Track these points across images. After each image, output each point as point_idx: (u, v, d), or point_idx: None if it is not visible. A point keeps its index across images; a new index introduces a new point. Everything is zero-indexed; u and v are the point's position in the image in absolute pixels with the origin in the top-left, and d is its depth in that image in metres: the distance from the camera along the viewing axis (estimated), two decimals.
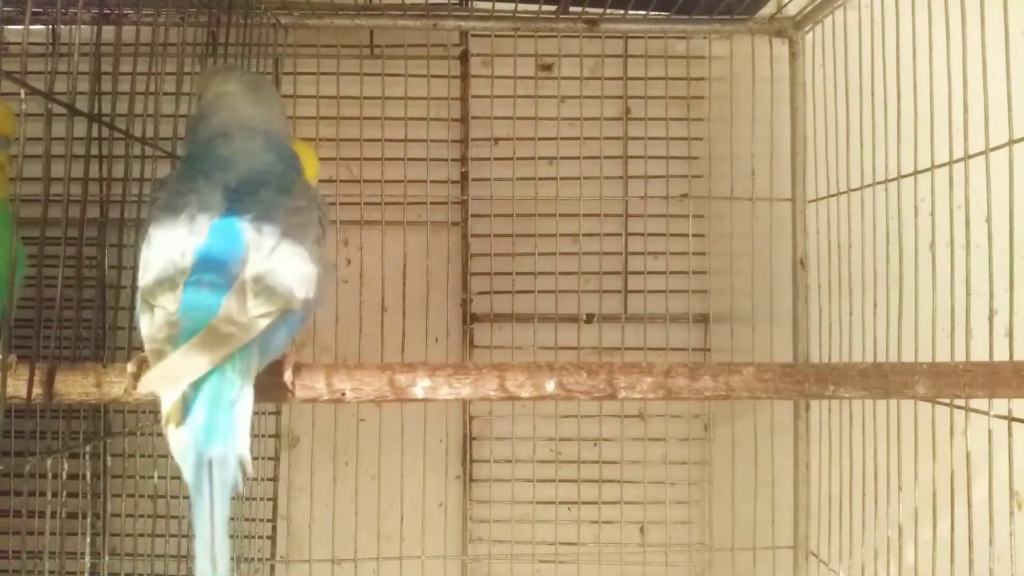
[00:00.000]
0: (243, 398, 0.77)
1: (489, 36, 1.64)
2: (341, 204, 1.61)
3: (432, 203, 1.62)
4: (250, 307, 0.80)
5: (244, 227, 0.85)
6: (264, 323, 0.80)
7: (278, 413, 1.68)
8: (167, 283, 0.81)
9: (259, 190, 0.90)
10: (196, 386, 0.74)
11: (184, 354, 0.74)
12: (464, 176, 1.68)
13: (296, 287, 0.84)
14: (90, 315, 1.07)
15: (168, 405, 0.74)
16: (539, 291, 1.63)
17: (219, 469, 0.72)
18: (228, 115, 0.98)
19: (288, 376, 0.91)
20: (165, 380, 0.73)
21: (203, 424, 0.74)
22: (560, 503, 1.68)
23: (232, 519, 1.51)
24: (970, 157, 1.05)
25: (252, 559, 1.59)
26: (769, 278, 1.56)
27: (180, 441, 0.73)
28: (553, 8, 1.54)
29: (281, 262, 0.84)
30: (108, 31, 1.14)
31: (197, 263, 0.82)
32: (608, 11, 1.54)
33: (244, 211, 0.87)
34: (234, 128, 0.97)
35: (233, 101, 0.98)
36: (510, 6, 1.54)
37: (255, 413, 1.59)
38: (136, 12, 1.25)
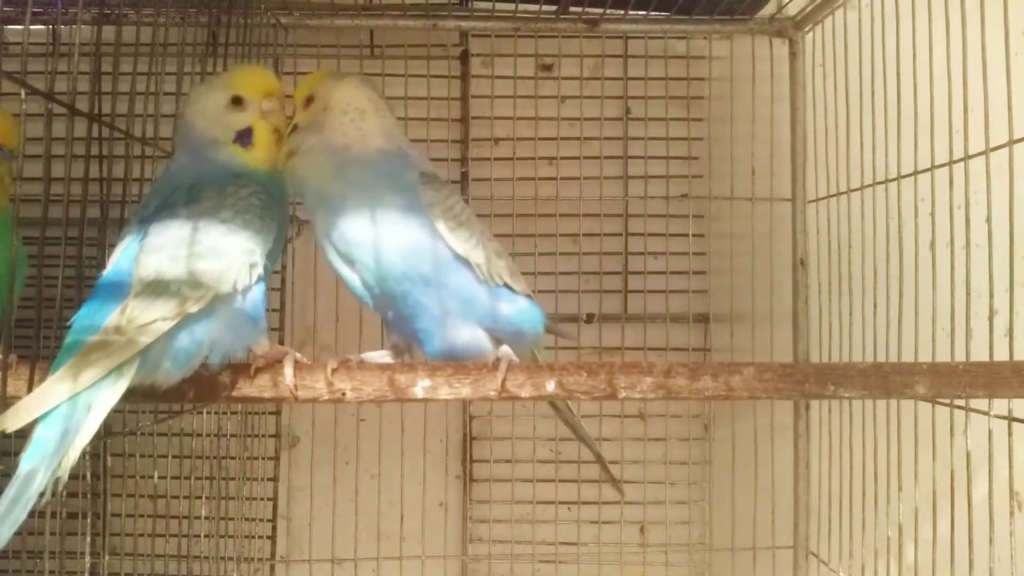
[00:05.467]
0: (88, 418, 0.79)
1: (489, 36, 1.64)
2: None
3: None
4: (132, 317, 0.81)
5: (137, 251, 0.87)
6: (158, 328, 0.82)
7: (278, 413, 1.69)
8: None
9: (165, 210, 0.91)
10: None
11: (41, 388, 0.78)
12: (464, 176, 1.68)
13: (195, 285, 0.85)
14: None
15: None
16: (539, 291, 1.63)
17: (23, 483, 0.75)
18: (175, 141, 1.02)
19: (288, 374, 0.91)
20: (14, 417, 0.77)
21: (35, 438, 0.77)
22: (560, 503, 1.68)
23: (231, 519, 1.52)
24: (970, 157, 1.05)
25: (252, 559, 1.59)
26: (769, 278, 1.56)
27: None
28: (553, 8, 1.54)
29: (170, 269, 0.85)
30: (108, 31, 1.14)
31: (93, 294, 0.86)
32: (608, 11, 1.54)
33: (144, 235, 0.88)
34: (176, 142, 1.02)
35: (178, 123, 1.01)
36: (510, 6, 1.54)
37: (255, 413, 1.61)
38: (136, 12, 1.25)
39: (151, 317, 0.81)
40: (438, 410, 1.70)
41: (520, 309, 1.04)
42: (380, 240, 0.95)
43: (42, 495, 0.76)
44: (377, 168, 0.98)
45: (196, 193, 0.91)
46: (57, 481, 0.77)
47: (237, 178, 0.94)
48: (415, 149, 1.06)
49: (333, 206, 0.96)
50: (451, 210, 0.99)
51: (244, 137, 0.98)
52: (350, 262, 0.97)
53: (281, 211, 0.98)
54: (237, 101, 0.98)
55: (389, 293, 0.97)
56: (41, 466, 0.76)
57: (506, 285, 1.04)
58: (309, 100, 1.01)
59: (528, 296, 1.07)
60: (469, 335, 0.99)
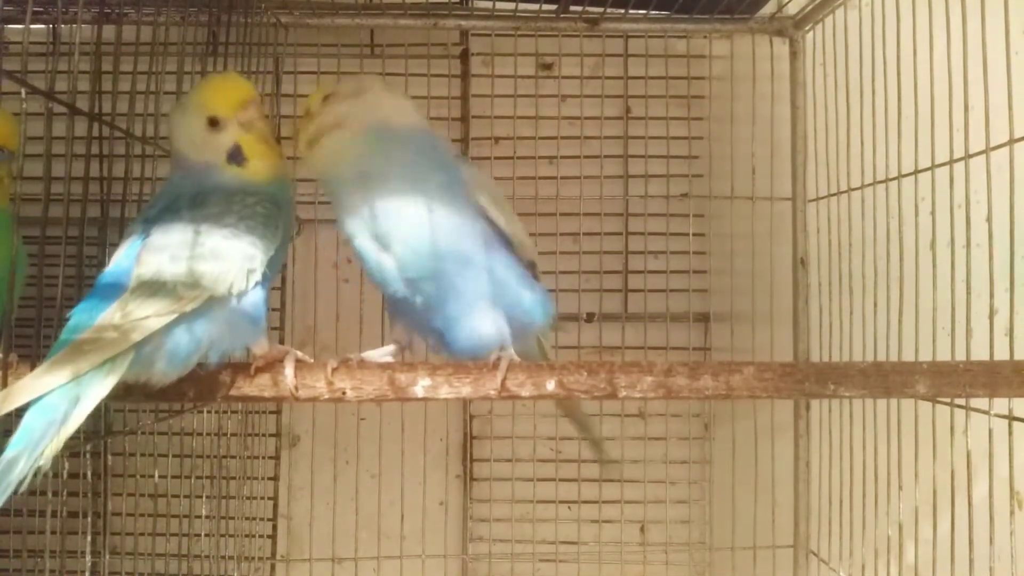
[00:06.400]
0: (76, 410, 0.79)
1: (490, 35, 1.64)
2: None
3: None
4: (127, 312, 0.82)
5: (139, 250, 0.88)
6: (152, 324, 0.82)
7: (278, 412, 1.68)
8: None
9: (170, 213, 0.91)
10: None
11: (32, 376, 0.78)
12: None
13: (192, 285, 0.85)
14: None
15: None
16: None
17: (4, 470, 0.75)
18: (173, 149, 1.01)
19: (289, 375, 0.91)
20: (1, 403, 0.77)
21: (22, 426, 0.77)
22: (560, 502, 1.68)
23: (231, 518, 1.52)
24: (970, 156, 1.05)
25: (252, 558, 1.59)
26: (769, 277, 1.56)
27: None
28: (554, 7, 1.54)
29: (169, 268, 0.85)
30: (109, 30, 1.14)
31: (92, 291, 0.86)
32: (609, 10, 1.54)
33: (147, 235, 0.89)
34: (173, 160, 1.00)
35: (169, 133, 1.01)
36: (511, 5, 1.54)
37: (256, 412, 1.61)
38: (137, 11, 1.25)
39: (145, 313, 0.82)
40: (438, 409, 1.70)
41: (538, 295, 1.04)
42: (426, 218, 0.94)
43: (22, 482, 0.76)
44: (417, 145, 0.98)
45: (202, 199, 0.92)
46: (39, 470, 0.78)
47: (243, 186, 0.95)
48: (438, 132, 1.07)
49: (372, 184, 0.94)
50: (487, 185, 1.00)
51: (236, 156, 0.96)
52: (386, 244, 0.95)
53: (286, 219, 0.98)
54: (213, 122, 0.96)
55: (426, 275, 0.96)
56: (24, 453, 0.76)
57: (532, 264, 1.04)
58: (327, 98, 1.00)
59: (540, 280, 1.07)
60: (493, 321, 0.98)
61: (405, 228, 0.94)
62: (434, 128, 1.05)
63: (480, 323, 0.98)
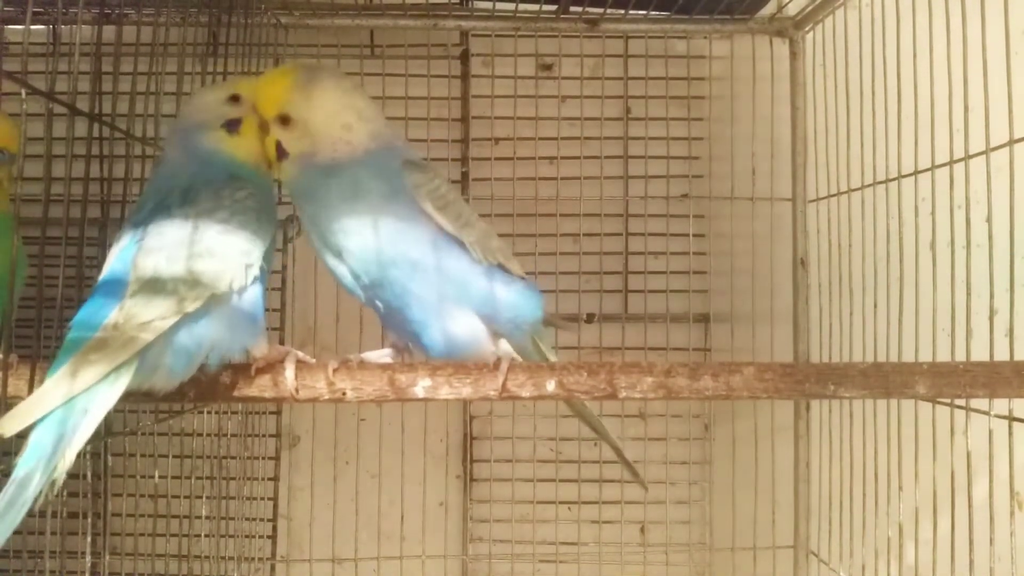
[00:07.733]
0: (85, 421, 0.79)
1: (489, 36, 1.64)
2: None
3: None
4: (130, 317, 0.81)
5: (135, 253, 0.87)
6: (157, 327, 0.82)
7: (278, 412, 1.69)
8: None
9: (161, 212, 0.91)
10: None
11: (41, 391, 0.78)
12: (465, 176, 1.68)
13: (192, 284, 0.85)
14: None
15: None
16: (540, 291, 1.63)
17: (19, 486, 0.75)
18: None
19: (290, 376, 0.91)
20: (12, 420, 0.77)
21: (31, 442, 0.77)
22: (561, 503, 1.68)
23: (231, 519, 1.52)
24: (970, 157, 1.05)
25: (252, 558, 1.59)
26: (769, 278, 1.56)
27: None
28: (554, 8, 1.54)
29: (168, 269, 0.85)
30: (109, 31, 1.14)
31: (91, 297, 0.86)
32: (609, 11, 1.54)
33: (140, 237, 0.89)
34: (165, 149, 1.01)
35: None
36: (511, 6, 1.54)
37: (256, 413, 1.61)
38: (137, 12, 1.25)
39: (149, 316, 0.82)
40: (438, 410, 1.70)
41: (518, 291, 1.02)
42: (366, 225, 0.95)
43: (38, 497, 0.76)
44: (362, 161, 0.98)
45: (193, 195, 0.92)
46: (54, 483, 0.77)
47: (232, 180, 0.95)
48: (402, 141, 1.06)
49: (318, 198, 0.96)
50: (437, 191, 0.98)
51: (232, 125, 0.99)
52: (338, 253, 0.97)
53: (273, 213, 0.98)
54: (234, 98, 1.00)
55: (379, 282, 0.96)
56: (37, 469, 0.76)
57: (500, 266, 1.02)
58: (284, 120, 0.97)
59: (523, 278, 1.05)
60: (465, 325, 0.97)
61: (347, 237, 0.95)
62: (393, 139, 1.03)
63: (450, 325, 0.97)
